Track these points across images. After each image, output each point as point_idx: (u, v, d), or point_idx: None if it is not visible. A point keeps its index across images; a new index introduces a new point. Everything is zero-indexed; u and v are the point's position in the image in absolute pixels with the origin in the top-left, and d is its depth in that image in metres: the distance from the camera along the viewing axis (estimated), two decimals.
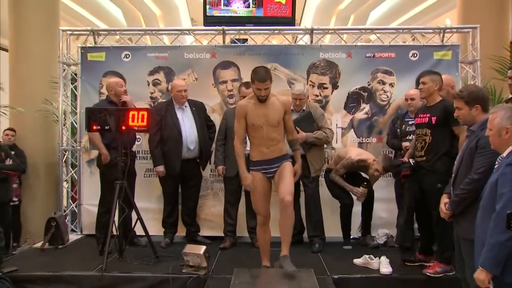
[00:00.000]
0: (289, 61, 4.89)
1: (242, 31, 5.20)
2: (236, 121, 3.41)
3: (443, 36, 4.95)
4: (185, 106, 4.40)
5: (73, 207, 5.05)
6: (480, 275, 2.11)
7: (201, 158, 4.43)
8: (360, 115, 4.95)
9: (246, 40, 5.46)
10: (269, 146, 3.34)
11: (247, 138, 3.51)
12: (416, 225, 3.74)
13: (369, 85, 4.93)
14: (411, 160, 3.63)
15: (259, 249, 3.55)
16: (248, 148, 3.55)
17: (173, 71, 4.96)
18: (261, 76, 3.26)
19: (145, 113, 3.75)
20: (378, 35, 5.24)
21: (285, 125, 3.43)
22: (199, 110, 4.47)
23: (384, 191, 4.58)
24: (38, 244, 4.41)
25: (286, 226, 3.29)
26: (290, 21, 5.53)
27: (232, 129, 4.01)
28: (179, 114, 4.37)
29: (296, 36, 5.56)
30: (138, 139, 4.85)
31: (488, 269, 2.08)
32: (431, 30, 5.14)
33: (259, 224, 3.43)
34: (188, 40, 5.60)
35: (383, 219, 4.66)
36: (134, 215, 3.94)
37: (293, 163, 3.50)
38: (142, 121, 3.73)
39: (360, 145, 4.87)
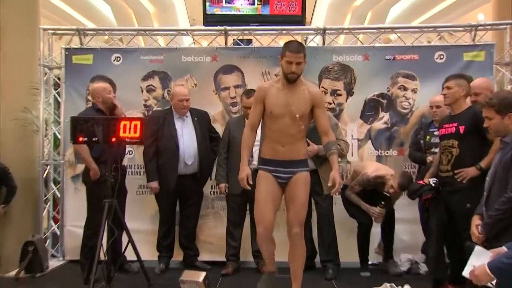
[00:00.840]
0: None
1: (246, 32, 5.22)
2: (252, 106, 3.33)
3: (475, 35, 4.92)
4: (186, 116, 4.46)
5: (54, 229, 5.04)
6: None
7: (201, 173, 4.45)
8: (378, 125, 4.97)
9: (250, 41, 5.48)
10: (286, 143, 3.23)
11: (260, 131, 3.48)
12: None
13: (388, 91, 4.96)
14: (431, 181, 3.64)
15: (263, 269, 3.52)
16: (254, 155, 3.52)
17: (170, 76, 5.00)
18: (295, 46, 3.18)
19: (138, 123, 3.74)
20: (399, 34, 5.24)
21: (317, 123, 3.29)
22: (201, 120, 4.50)
23: (406, 211, 4.56)
24: (12, 273, 4.34)
25: (297, 260, 3.26)
26: (299, 20, 5.62)
27: (235, 140, 4.13)
28: (178, 124, 4.41)
29: (307, 37, 5.57)
30: (130, 152, 4.91)
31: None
32: (460, 28, 5.09)
33: (259, 235, 3.24)
34: (186, 41, 5.67)
35: (406, 242, 4.66)
36: (124, 238, 3.92)
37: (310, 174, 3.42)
38: (135, 132, 3.72)
39: (379, 158, 4.89)
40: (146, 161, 4.41)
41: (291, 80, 3.22)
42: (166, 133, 4.35)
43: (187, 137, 4.38)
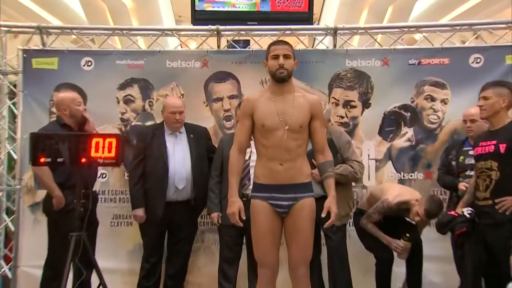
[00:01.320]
0: (305, 71, 4.88)
1: (243, 32, 5.23)
2: (239, 123, 3.36)
3: None
4: (180, 132, 4.46)
5: (5, 271, 4.92)
6: None
7: (196, 201, 4.42)
8: (400, 142, 4.97)
9: (248, 43, 5.49)
10: (285, 161, 3.20)
11: (252, 149, 3.47)
12: None
13: (412, 102, 4.96)
14: (465, 211, 3.62)
15: None
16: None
17: (151, 85, 5.01)
18: (278, 41, 3.35)
19: (114, 140, 3.72)
20: (425, 34, 5.22)
21: (312, 138, 3.31)
22: (199, 138, 4.51)
23: (437, 247, 4.53)
24: None
25: None
26: (306, 17, 5.62)
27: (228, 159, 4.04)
28: (169, 142, 4.41)
29: (315, 38, 5.61)
30: (103, 175, 4.88)
31: None
32: (502, 25, 5.04)
33: (260, 283, 3.24)
34: (171, 43, 5.67)
35: (436, 284, 4.63)
36: (95, 279, 3.81)
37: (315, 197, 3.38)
38: (110, 151, 3.69)
39: (401, 182, 4.87)
40: (131, 184, 4.40)
41: (280, 78, 3.23)
42: (155, 151, 4.34)
43: (179, 157, 4.37)
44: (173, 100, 4.50)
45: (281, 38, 5.11)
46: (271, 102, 3.26)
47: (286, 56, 3.24)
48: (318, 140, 3.33)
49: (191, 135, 4.46)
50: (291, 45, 3.33)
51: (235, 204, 3.21)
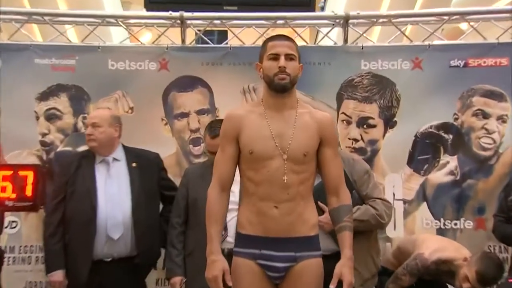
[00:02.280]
0: (305, 76, 4.71)
1: (217, 21, 5.21)
2: (219, 149, 3.30)
3: None
4: (115, 160, 4.40)
5: None
6: None
7: (140, 258, 4.33)
8: (439, 176, 4.95)
9: (225, 36, 5.51)
10: (282, 202, 3.13)
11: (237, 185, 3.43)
12: None
13: (456, 119, 4.96)
14: None
15: None
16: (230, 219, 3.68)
17: (87, 94, 5.01)
18: (279, 36, 3.28)
19: (30, 174, 3.71)
20: (474, 23, 5.21)
21: (323, 172, 3.25)
22: (145, 167, 4.45)
23: None
24: None
25: None
26: (306, 1, 5.58)
27: (198, 204, 4.05)
28: (100, 173, 4.34)
29: (318, 31, 5.58)
30: (13, 224, 4.77)
31: None
32: None
33: None
34: (116, 35, 5.67)
35: None
36: None
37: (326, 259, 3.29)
38: (24, 190, 3.71)
39: (442, 233, 4.85)
40: (45, 237, 4.31)
41: (280, 86, 3.15)
42: (80, 187, 4.26)
43: (113, 194, 4.28)
44: (95, 111, 4.54)
45: (273, 31, 5.05)
46: (264, 120, 3.19)
47: (289, 57, 3.16)
48: (331, 175, 3.24)
49: (134, 164, 4.38)
50: (295, 42, 3.27)
51: (216, 265, 3.09)
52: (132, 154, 4.42)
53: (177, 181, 4.60)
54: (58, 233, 4.25)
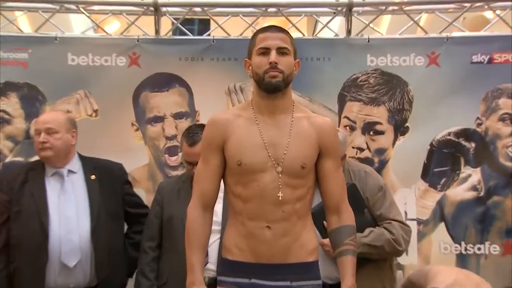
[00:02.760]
0: (301, 74, 4.71)
1: (198, 8, 5.26)
2: (201, 160, 3.28)
3: None
4: (70, 172, 4.33)
5: None
6: None
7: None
8: (460, 192, 4.96)
9: (206, 27, 5.63)
10: (275, 222, 3.10)
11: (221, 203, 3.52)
12: None
13: (479, 125, 4.98)
14: None
15: None
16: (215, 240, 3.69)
17: (42, 94, 5.00)
18: (270, 27, 3.24)
19: None
20: (500, 12, 5.21)
21: (322, 186, 3.22)
22: (107, 181, 4.42)
23: None
24: None
25: None
26: None
27: (174, 224, 4.13)
28: (52, 188, 4.27)
29: (317, 20, 5.69)
30: None
31: None
32: None
33: None
34: (77, 25, 5.64)
35: None
36: None
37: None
38: None
39: (462, 259, 4.88)
40: None
41: (271, 86, 3.12)
42: (27, 206, 4.19)
43: (68, 213, 4.22)
44: (44, 114, 4.48)
45: (264, 20, 5.24)
46: (254, 126, 3.16)
47: (282, 51, 3.12)
48: (332, 191, 3.22)
49: (92, 176, 4.33)
50: (290, 34, 3.24)
51: None
52: (90, 165, 4.39)
53: (150, 198, 4.60)
54: (1, 262, 4.18)
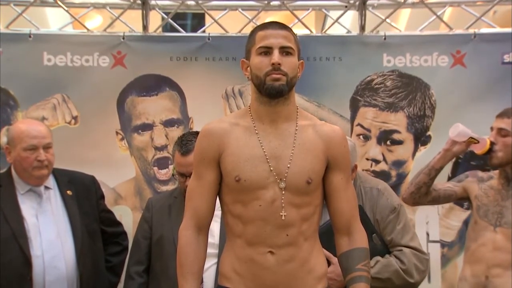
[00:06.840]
0: (308, 76, 4.79)
1: (191, 2, 5.26)
2: (193, 174, 3.24)
3: None
4: (46, 188, 4.25)
5: None
6: None
7: None
8: None
9: (201, 23, 5.51)
10: (279, 247, 3.08)
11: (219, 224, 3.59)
12: None
13: None
14: None
15: None
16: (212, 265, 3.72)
17: (13, 99, 5.01)
18: (272, 23, 3.21)
19: None
20: None
21: (330, 204, 3.20)
22: (82, 197, 4.38)
23: None
24: None
25: None
26: None
27: (164, 246, 4.15)
28: (28, 208, 4.18)
29: (326, 15, 5.67)
30: None
31: None
32: None
33: None
34: (54, 20, 5.65)
35: None
36: None
37: None
38: None
39: None
40: None
41: (273, 90, 3.07)
42: (1, 230, 4.09)
43: (50, 236, 4.14)
44: (30, 125, 4.26)
45: (266, 15, 5.26)
46: (254, 136, 3.12)
47: (285, 51, 3.06)
48: (342, 209, 3.19)
49: (68, 191, 4.28)
50: (293, 32, 3.19)
51: None
52: (64, 179, 4.33)
53: (137, 216, 4.69)
54: None
